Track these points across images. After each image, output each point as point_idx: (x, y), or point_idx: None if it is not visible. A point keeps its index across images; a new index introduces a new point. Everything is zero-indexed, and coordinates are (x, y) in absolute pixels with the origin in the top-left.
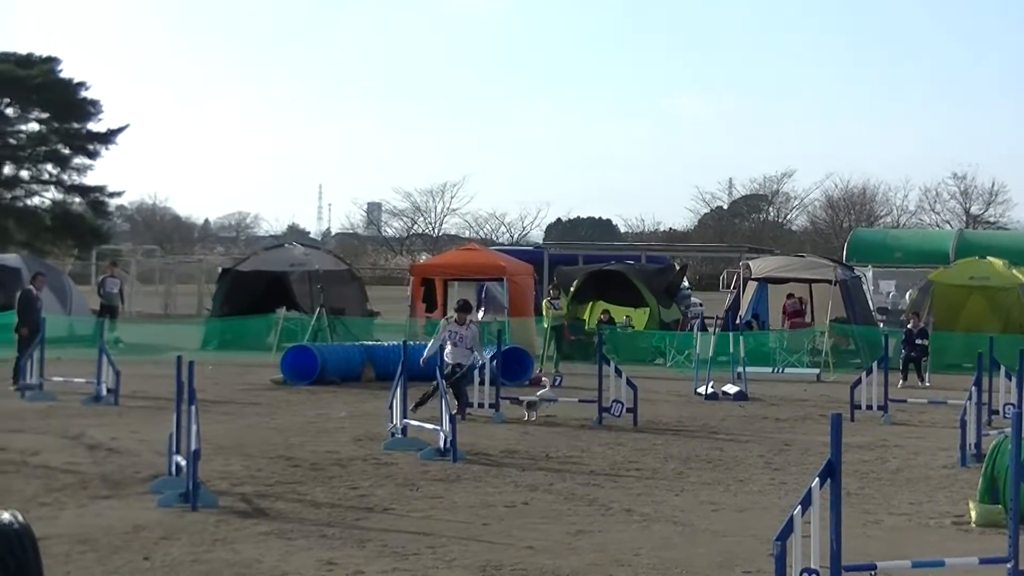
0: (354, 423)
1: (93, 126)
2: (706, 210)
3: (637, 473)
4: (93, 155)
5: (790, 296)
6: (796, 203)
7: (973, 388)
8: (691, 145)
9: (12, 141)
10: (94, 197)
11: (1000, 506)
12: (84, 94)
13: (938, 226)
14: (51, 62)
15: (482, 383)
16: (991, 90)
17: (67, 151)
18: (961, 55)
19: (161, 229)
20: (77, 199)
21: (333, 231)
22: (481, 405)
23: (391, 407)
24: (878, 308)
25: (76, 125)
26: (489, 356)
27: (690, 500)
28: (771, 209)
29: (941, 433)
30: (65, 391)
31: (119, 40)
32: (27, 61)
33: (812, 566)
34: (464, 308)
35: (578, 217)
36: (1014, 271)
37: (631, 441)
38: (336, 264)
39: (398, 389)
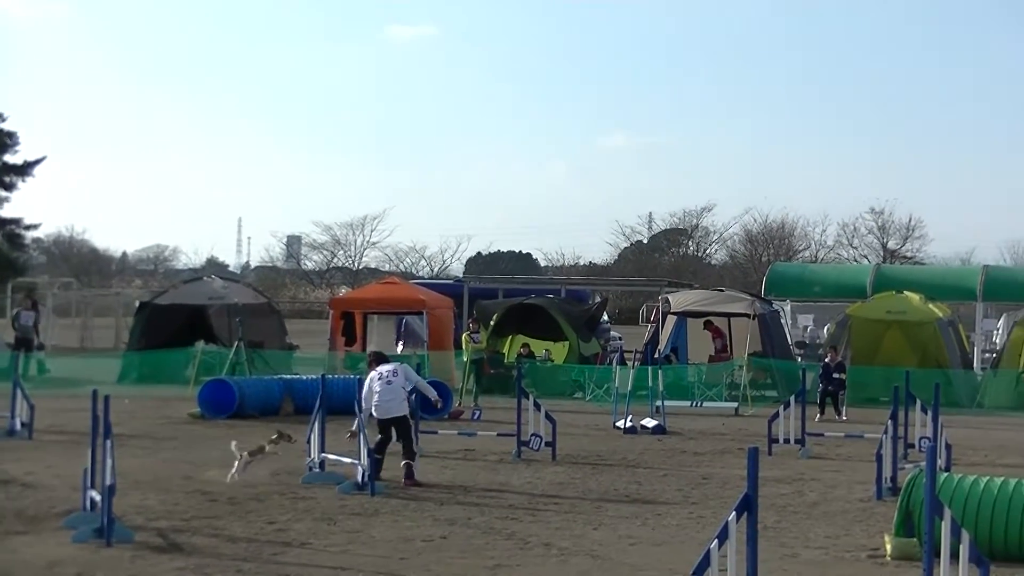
0: (272, 457)
1: (9, 158)
2: (626, 244)
3: (555, 507)
4: (9, 187)
5: (715, 332)
6: (715, 237)
7: (889, 422)
8: (611, 179)
9: None
10: (10, 229)
11: (915, 539)
12: (0, 126)
13: (856, 260)
14: None
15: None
16: (908, 125)
17: None
18: (878, 90)
19: (78, 262)
20: None
21: (252, 264)
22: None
23: (309, 441)
24: (796, 342)
25: None
26: (409, 389)
27: (608, 534)
28: (691, 243)
29: (858, 466)
30: None
31: (35, 72)
32: None
33: None
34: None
35: (498, 251)
36: (931, 305)
37: (550, 475)
38: (255, 297)
39: (316, 423)
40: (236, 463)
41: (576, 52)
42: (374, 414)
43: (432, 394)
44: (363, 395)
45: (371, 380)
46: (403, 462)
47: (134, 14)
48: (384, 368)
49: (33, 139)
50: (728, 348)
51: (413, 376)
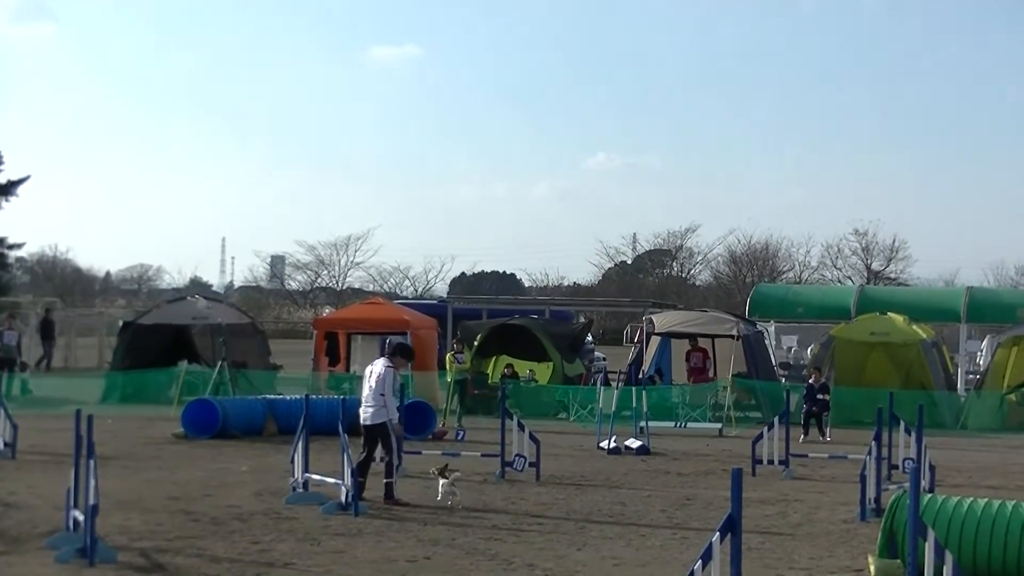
0: (256, 477)
1: None
2: (610, 265)
3: (539, 527)
4: None
5: (695, 349)
6: (699, 258)
7: (873, 443)
8: (595, 200)
9: None
10: None
11: (899, 561)
12: None
13: (840, 282)
14: None
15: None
16: (892, 147)
17: None
18: (861, 111)
19: (62, 281)
20: None
21: (236, 284)
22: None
23: (293, 461)
24: (780, 363)
25: None
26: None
27: (592, 555)
28: (675, 264)
29: (841, 488)
30: None
31: (19, 91)
32: None
33: None
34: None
35: (482, 271)
36: (914, 327)
37: (533, 495)
38: (239, 317)
39: (300, 443)
40: (441, 487)
41: (560, 73)
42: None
43: (389, 413)
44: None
45: (365, 377)
46: (384, 480)
47: (119, 37)
48: (378, 369)
49: (17, 158)
50: (707, 366)
51: (387, 387)
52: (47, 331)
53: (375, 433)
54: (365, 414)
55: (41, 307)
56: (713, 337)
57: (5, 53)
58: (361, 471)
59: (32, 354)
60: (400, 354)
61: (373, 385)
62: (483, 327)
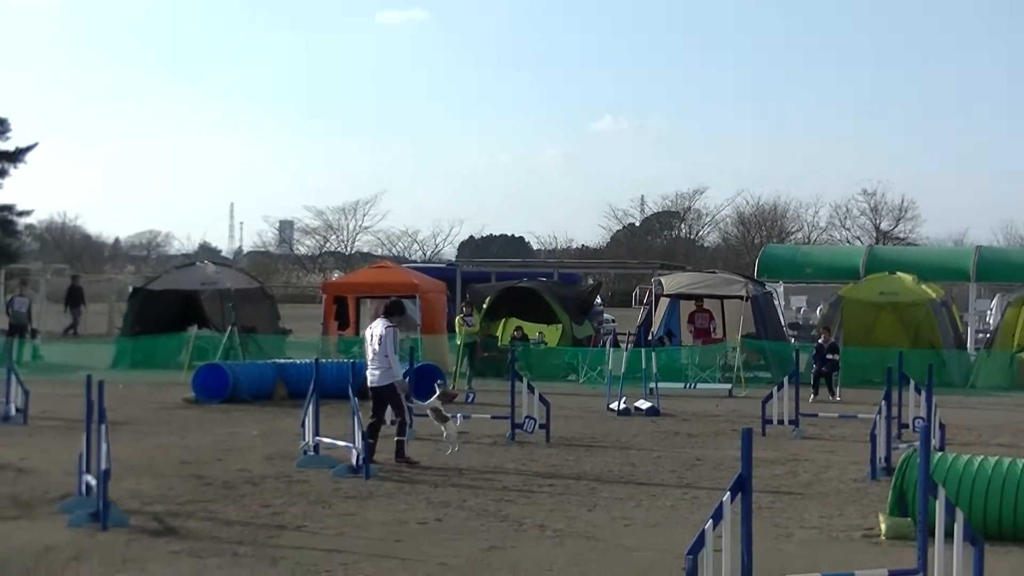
0: (266, 441)
1: (1, 145)
2: (618, 227)
3: (550, 489)
4: (1, 174)
5: (699, 310)
6: (708, 220)
7: (883, 402)
8: (603, 163)
9: None
10: (2, 216)
11: (909, 519)
12: None
13: (848, 242)
14: None
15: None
16: (901, 106)
17: None
18: (870, 72)
19: (71, 248)
20: None
21: (245, 249)
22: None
23: (303, 425)
24: (789, 324)
25: None
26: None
27: (603, 515)
28: (683, 226)
29: (851, 447)
30: None
31: (27, 58)
32: None
33: None
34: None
35: (491, 234)
36: (923, 287)
37: (544, 457)
38: (248, 282)
39: (310, 407)
40: (445, 435)
41: (567, 35)
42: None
43: (392, 374)
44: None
45: (366, 341)
46: (395, 438)
47: (127, 3)
48: (378, 331)
49: (25, 126)
50: (711, 328)
51: (389, 347)
52: (75, 298)
53: (383, 395)
54: (372, 377)
55: (51, 272)
56: (722, 298)
57: (12, 19)
58: (371, 433)
59: (42, 322)
60: (394, 312)
61: (376, 347)
62: (492, 290)
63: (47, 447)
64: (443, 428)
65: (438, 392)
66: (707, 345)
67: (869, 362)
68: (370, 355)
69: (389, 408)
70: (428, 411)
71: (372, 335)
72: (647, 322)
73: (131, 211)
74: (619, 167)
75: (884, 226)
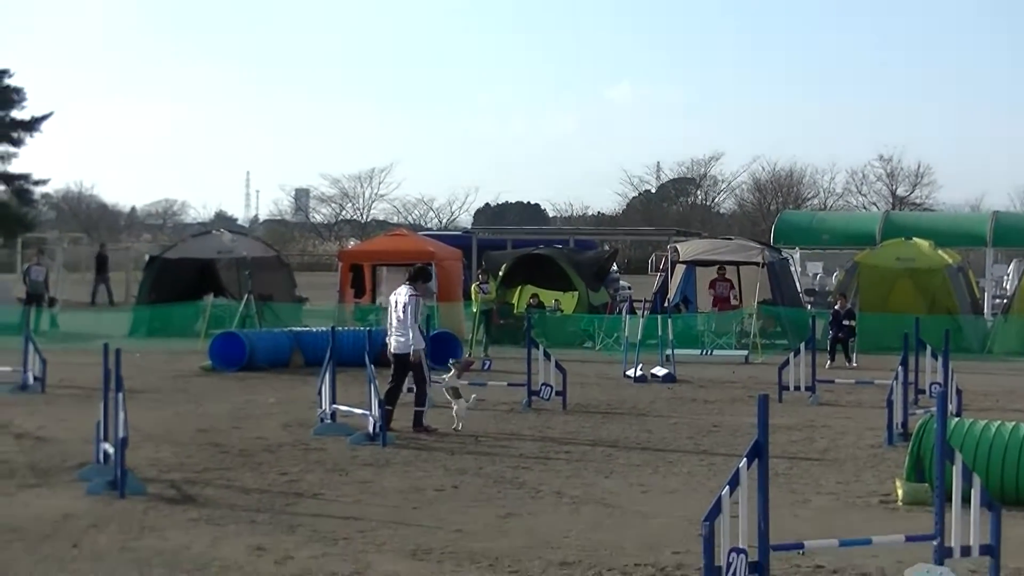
0: (283, 409)
1: (17, 114)
2: (634, 194)
3: (566, 456)
4: (17, 143)
5: (720, 278)
6: (723, 186)
7: (899, 368)
8: (618, 129)
9: None
10: (19, 185)
11: (926, 484)
12: (7, 82)
13: (865, 208)
14: None
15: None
16: (916, 71)
17: None
18: (885, 38)
19: (87, 217)
20: (1, 187)
21: (261, 218)
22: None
23: (320, 393)
24: (805, 290)
25: (0, 113)
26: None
27: (619, 482)
28: (699, 192)
29: (868, 413)
30: None
31: (43, 27)
32: None
33: (740, 545)
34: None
35: (506, 202)
36: (940, 252)
37: (560, 424)
38: (264, 251)
39: (327, 375)
40: (455, 410)
41: (582, 2)
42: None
43: (413, 342)
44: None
45: (390, 307)
46: (415, 408)
47: None
48: (402, 298)
49: (40, 94)
50: (731, 296)
51: (411, 316)
52: (101, 266)
53: (404, 362)
54: (395, 343)
55: (68, 241)
56: (738, 265)
57: None
58: (389, 400)
59: (59, 290)
60: (420, 279)
61: (401, 315)
62: (508, 257)
63: (65, 416)
64: (454, 404)
65: (453, 371)
66: (723, 311)
67: (885, 328)
68: (394, 322)
69: (409, 376)
70: (444, 390)
71: (396, 302)
72: (663, 289)
73: (147, 180)
74: (635, 133)
75: (900, 192)
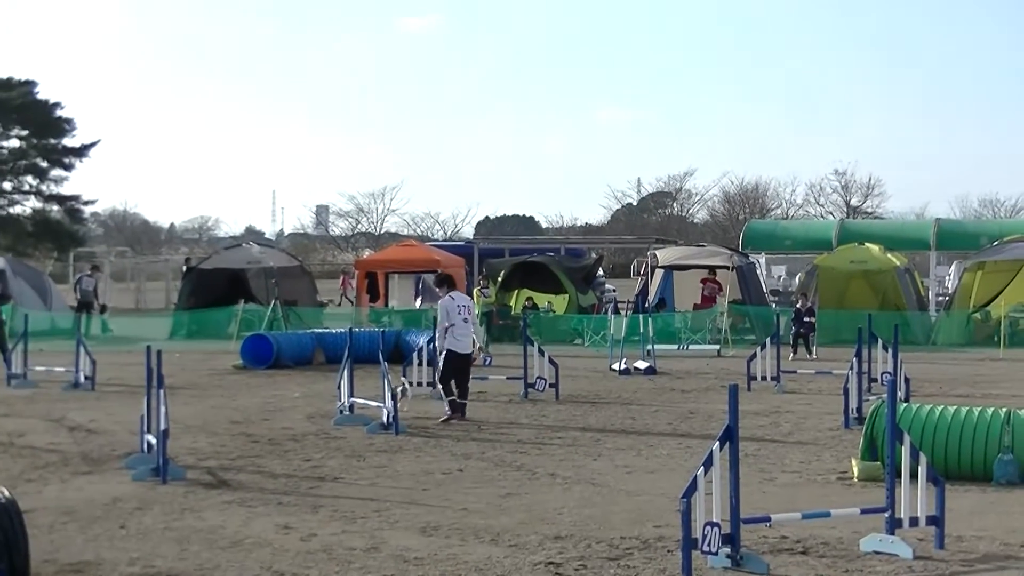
0: (307, 402)
1: (68, 141)
2: (617, 206)
3: (559, 441)
4: (69, 167)
5: (711, 280)
6: (697, 199)
7: (854, 359)
8: (604, 148)
9: None
10: (70, 205)
11: (879, 463)
12: (59, 113)
13: (822, 217)
14: (29, 85)
15: (420, 363)
16: (870, 95)
17: (45, 164)
18: (841, 66)
19: (131, 232)
20: (55, 207)
21: (286, 231)
22: (420, 384)
23: (339, 387)
24: (771, 290)
25: (53, 141)
26: (427, 340)
27: (606, 463)
28: (675, 204)
29: (827, 399)
30: (47, 379)
31: (90, 62)
32: (7, 84)
33: (714, 519)
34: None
35: (504, 215)
36: (889, 255)
37: (553, 412)
38: (289, 261)
39: (345, 371)
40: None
41: (570, 34)
42: (457, 349)
43: (439, 342)
44: (442, 319)
45: (453, 310)
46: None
47: (176, 11)
48: (462, 302)
49: (88, 123)
50: (718, 297)
51: (440, 317)
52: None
53: (469, 361)
54: (467, 344)
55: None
56: (711, 268)
57: (75, 30)
58: (462, 393)
59: (106, 298)
60: (444, 284)
61: (467, 316)
62: (506, 264)
63: (113, 410)
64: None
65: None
66: (699, 310)
67: (842, 323)
68: (461, 324)
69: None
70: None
71: (463, 307)
72: (644, 291)
73: (184, 199)
74: (618, 152)
75: (854, 202)
